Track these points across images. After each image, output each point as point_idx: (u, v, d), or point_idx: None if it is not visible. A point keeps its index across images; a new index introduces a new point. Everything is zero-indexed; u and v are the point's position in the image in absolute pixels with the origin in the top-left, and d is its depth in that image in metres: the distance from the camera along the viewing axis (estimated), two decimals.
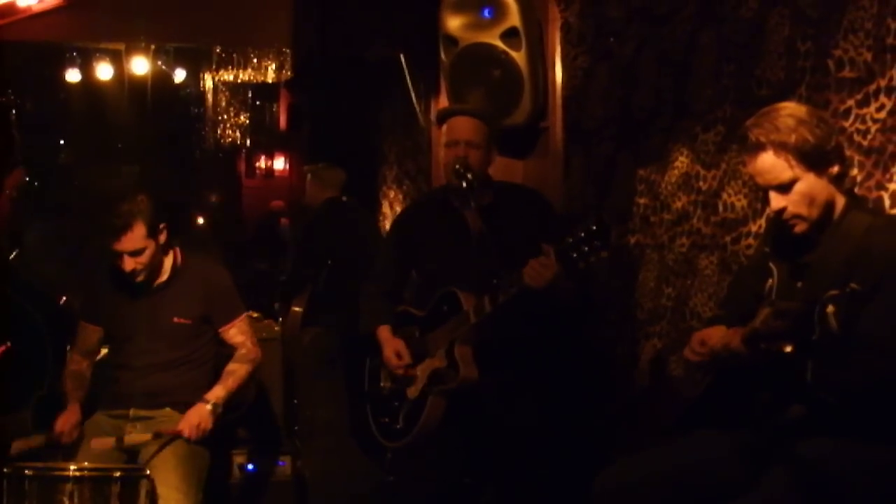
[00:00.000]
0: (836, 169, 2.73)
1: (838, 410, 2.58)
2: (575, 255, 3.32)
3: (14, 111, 9.53)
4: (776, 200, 2.73)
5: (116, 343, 4.12)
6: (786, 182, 2.70)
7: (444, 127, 3.97)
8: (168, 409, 3.97)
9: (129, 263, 3.88)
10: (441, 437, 3.80)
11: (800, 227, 2.74)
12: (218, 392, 3.97)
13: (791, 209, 2.72)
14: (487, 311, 3.58)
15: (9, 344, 4.12)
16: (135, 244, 3.84)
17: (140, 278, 3.94)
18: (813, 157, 2.69)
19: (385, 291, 4.10)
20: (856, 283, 2.46)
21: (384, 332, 3.97)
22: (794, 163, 2.69)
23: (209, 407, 3.89)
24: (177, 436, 3.82)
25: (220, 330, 4.11)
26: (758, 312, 2.55)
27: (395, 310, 4.03)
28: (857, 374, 2.56)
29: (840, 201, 2.76)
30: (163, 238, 3.95)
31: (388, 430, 3.94)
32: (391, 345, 3.91)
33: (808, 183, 2.71)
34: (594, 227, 3.29)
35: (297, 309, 6.29)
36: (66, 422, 3.91)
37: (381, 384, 3.99)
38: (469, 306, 3.66)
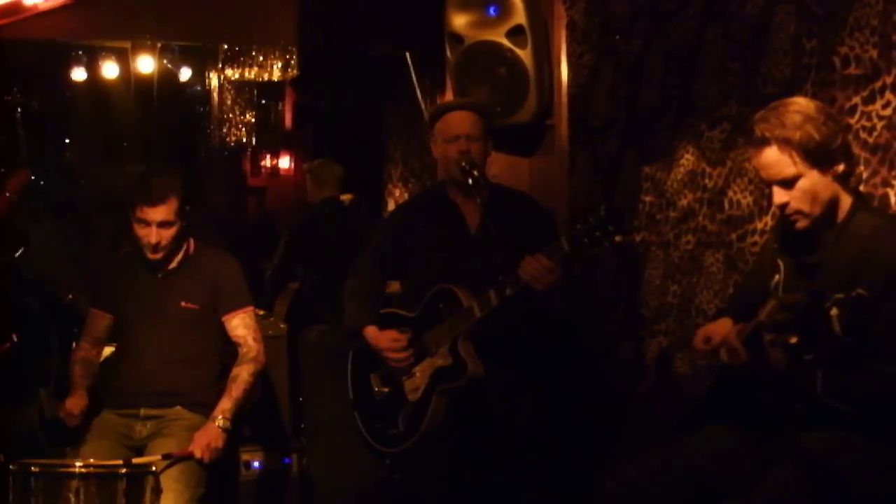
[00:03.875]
0: (841, 167, 2.73)
1: (847, 415, 2.58)
2: (587, 240, 3.27)
3: (19, 109, 9.57)
4: (779, 195, 2.75)
5: (123, 327, 4.11)
6: (789, 178, 2.71)
7: (440, 124, 3.91)
8: (178, 408, 3.95)
9: (154, 235, 3.90)
10: (443, 436, 3.72)
11: (801, 224, 2.75)
12: (225, 405, 3.90)
13: (793, 205, 2.73)
14: (494, 304, 3.52)
15: (14, 339, 4.12)
16: (167, 216, 3.90)
17: (160, 255, 3.96)
18: (817, 155, 2.69)
19: (367, 290, 4.01)
20: (862, 289, 2.46)
21: (371, 331, 3.86)
22: (797, 159, 2.69)
23: (218, 424, 3.84)
24: (189, 457, 3.75)
25: (223, 318, 4.07)
26: (761, 307, 2.56)
27: (378, 311, 3.94)
28: (872, 381, 2.57)
29: (846, 200, 2.76)
30: (185, 222, 3.99)
31: (385, 436, 3.85)
32: (386, 337, 3.81)
33: (812, 180, 2.71)
34: (604, 213, 3.23)
35: (279, 307, 6.23)
36: (75, 405, 3.91)
37: (375, 389, 3.90)
38: (471, 302, 3.61)
